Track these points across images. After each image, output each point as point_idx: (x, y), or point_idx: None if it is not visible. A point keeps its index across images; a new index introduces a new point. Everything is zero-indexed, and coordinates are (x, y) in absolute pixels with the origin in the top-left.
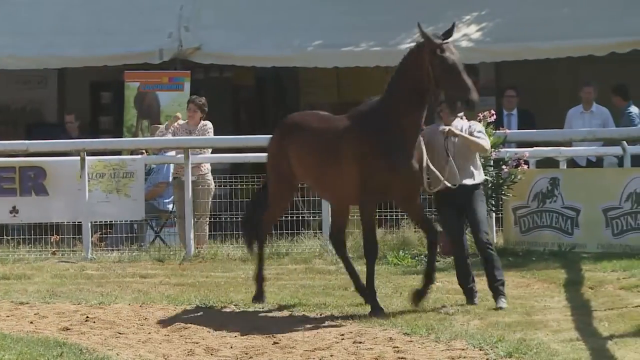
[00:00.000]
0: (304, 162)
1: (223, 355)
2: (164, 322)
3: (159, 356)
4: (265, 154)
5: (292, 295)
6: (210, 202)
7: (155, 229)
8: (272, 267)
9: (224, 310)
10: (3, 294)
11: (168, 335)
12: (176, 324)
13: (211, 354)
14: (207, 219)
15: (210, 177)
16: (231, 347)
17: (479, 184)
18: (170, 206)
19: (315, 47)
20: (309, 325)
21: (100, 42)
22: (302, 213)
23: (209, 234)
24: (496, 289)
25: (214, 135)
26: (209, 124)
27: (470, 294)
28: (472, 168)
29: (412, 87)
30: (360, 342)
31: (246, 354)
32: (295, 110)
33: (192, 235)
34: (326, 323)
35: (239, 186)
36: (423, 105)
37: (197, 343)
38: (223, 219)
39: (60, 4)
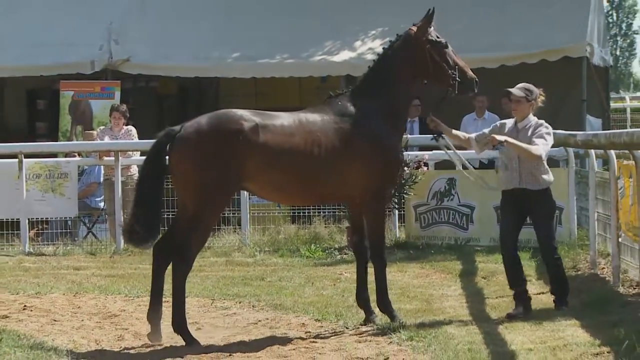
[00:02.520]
0: (281, 164)
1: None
2: (96, 310)
3: (92, 341)
4: None
5: (214, 285)
6: None
7: (88, 225)
8: (196, 260)
9: (147, 299)
10: None
11: (100, 322)
12: (107, 312)
13: (139, 339)
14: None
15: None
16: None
17: (545, 189)
18: (101, 204)
19: (234, 59)
20: (228, 313)
21: (36, 53)
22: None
23: None
24: (557, 300)
25: (139, 139)
26: (133, 129)
27: (518, 299)
28: (534, 171)
29: (413, 76)
30: (275, 328)
31: (172, 338)
32: None
33: (120, 231)
34: (244, 310)
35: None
36: (414, 96)
37: (126, 329)
38: None
39: None
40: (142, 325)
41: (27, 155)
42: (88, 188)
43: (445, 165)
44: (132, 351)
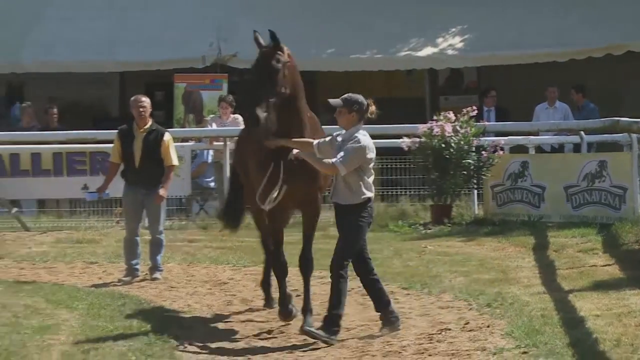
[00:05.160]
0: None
1: (255, 305)
2: (208, 278)
3: (204, 306)
4: None
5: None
6: None
7: (200, 202)
8: (295, 234)
9: (256, 268)
10: (77, 255)
11: (211, 289)
12: (217, 280)
13: (246, 304)
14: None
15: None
16: (261, 299)
17: (356, 204)
18: (212, 184)
19: (329, 55)
20: (324, 281)
21: (154, 50)
22: None
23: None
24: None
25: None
26: (240, 117)
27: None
28: (345, 188)
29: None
30: (367, 295)
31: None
32: (312, 108)
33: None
34: None
35: None
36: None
37: (234, 295)
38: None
39: (118, 19)
40: (249, 292)
41: None
42: (199, 168)
43: (519, 149)
44: (240, 315)
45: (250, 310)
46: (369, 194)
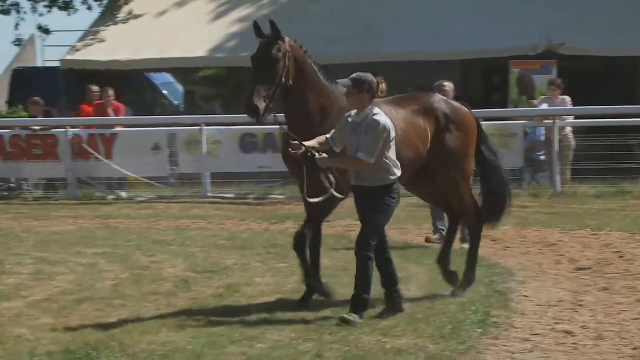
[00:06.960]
0: None
1: (581, 265)
2: (539, 240)
3: (535, 264)
4: None
5: (633, 222)
6: (571, 154)
7: (532, 173)
8: (618, 202)
9: (583, 232)
10: (425, 218)
11: (541, 249)
12: (547, 241)
13: (572, 264)
14: (569, 166)
15: (571, 136)
16: (587, 259)
17: (383, 186)
18: (542, 157)
19: None
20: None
21: (491, 41)
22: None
23: (571, 177)
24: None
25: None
26: (568, 98)
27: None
28: (373, 169)
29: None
30: None
31: (598, 264)
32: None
33: (558, 178)
34: None
35: (592, 143)
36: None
37: (562, 255)
38: (580, 167)
39: (459, 14)
40: (576, 252)
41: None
42: (531, 146)
43: None
44: (568, 273)
45: (578, 269)
46: (398, 173)
